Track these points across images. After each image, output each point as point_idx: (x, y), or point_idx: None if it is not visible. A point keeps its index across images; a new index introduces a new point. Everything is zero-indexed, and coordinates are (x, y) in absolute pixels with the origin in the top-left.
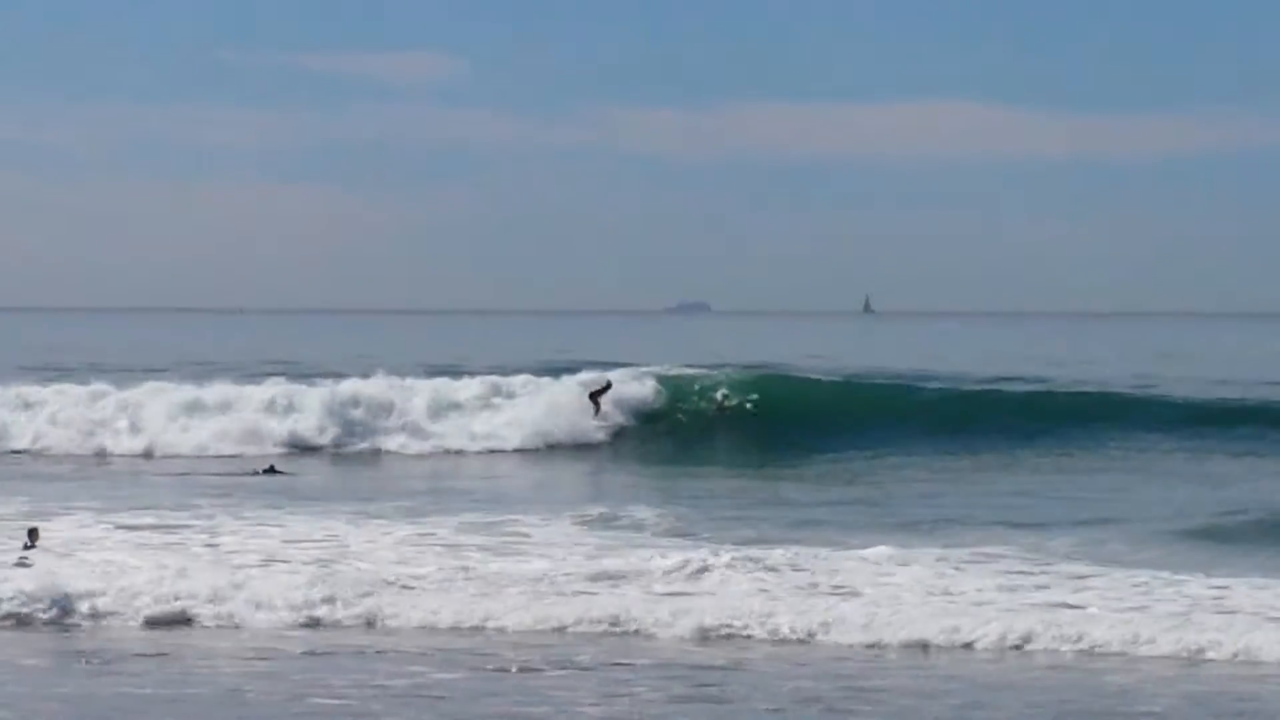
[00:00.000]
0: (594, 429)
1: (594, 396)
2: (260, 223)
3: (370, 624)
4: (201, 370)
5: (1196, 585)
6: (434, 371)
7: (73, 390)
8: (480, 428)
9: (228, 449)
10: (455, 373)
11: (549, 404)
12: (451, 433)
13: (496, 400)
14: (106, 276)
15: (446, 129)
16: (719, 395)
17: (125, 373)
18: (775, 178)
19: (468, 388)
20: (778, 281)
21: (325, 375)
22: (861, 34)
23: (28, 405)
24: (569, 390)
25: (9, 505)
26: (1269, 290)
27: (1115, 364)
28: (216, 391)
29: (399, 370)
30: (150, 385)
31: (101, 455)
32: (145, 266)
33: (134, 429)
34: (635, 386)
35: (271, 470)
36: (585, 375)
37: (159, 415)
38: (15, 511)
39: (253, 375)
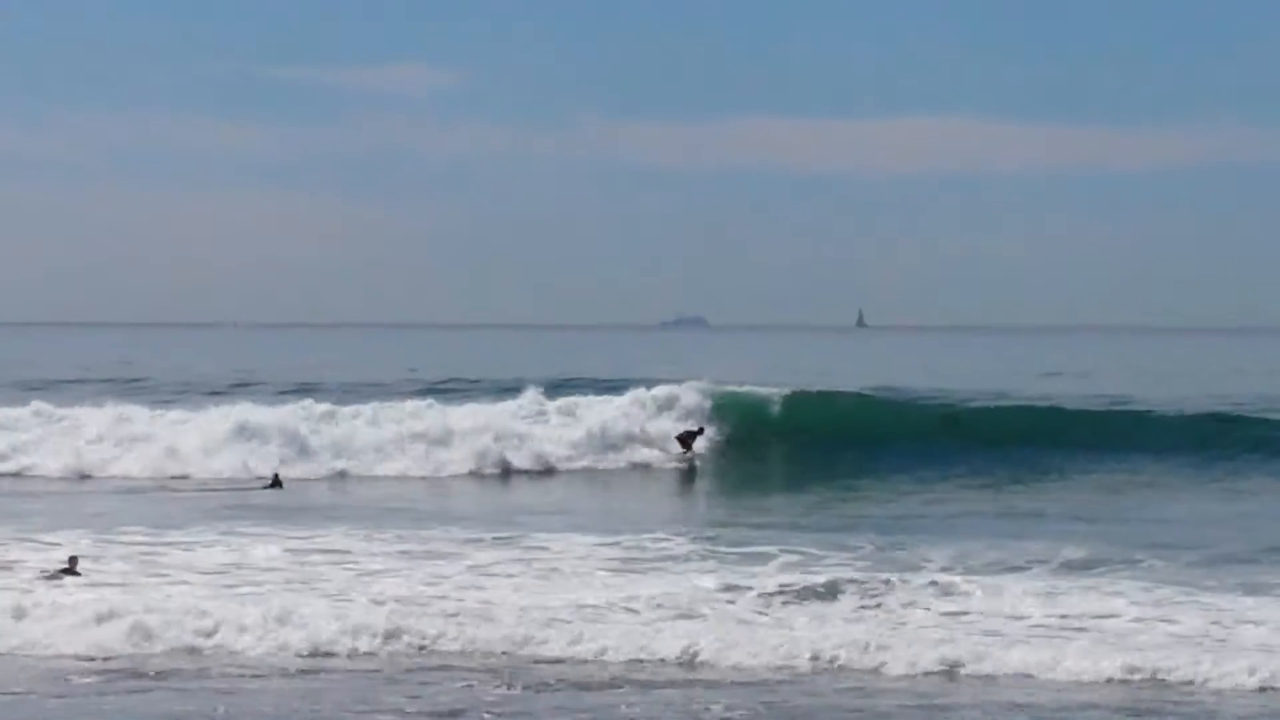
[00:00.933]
0: (677, 460)
1: (684, 439)
2: (254, 234)
3: (423, 644)
4: (221, 387)
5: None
6: (434, 388)
7: (69, 411)
8: (517, 450)
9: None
10: (464, 389)
11: (597, 426)
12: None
13: (530, 420)
14: (99, 289)
15: (442, 141)
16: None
17: (114, 388)
18: (771, 192)
19: (523, 407)
20: (773, 295)
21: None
22: (856, 49)
23: (24, 424)
24: (617, 409)
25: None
26: (1268, 304)
27: (1122, 378)
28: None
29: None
30: (146, 405)
31: (94, 477)
32: (137, 279)
33: (131, 448)
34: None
35: (275, 483)
36: (636, 393)
37: (159, 435)
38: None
39: (293, 390)
